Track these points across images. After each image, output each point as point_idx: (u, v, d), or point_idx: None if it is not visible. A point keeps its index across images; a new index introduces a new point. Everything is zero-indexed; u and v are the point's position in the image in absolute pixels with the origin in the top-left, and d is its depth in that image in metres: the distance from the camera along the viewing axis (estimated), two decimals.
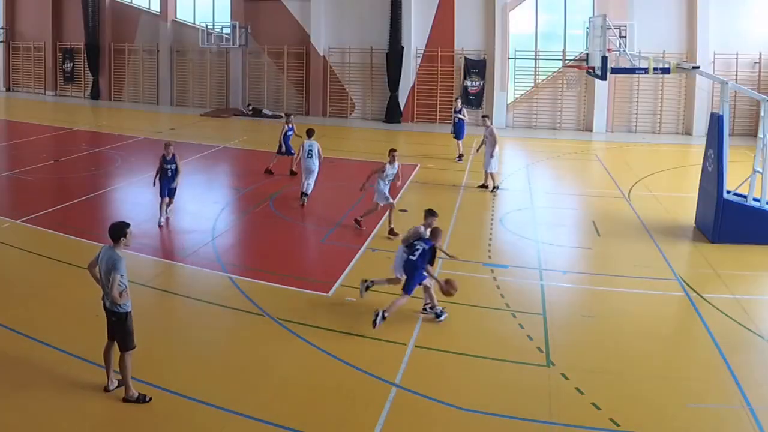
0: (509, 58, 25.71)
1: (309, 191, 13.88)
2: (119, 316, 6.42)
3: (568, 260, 10.97)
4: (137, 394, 6.48)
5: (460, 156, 18.97)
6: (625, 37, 17.63)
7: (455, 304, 8.90)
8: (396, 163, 12.05)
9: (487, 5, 25.48)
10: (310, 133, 14.18)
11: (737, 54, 22.96)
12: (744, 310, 8.85)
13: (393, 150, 12.18)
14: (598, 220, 13.07)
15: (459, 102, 19.88)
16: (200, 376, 7.05)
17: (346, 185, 15.40)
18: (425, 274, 8.35)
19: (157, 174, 12.33)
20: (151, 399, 6.50)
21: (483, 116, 16.80)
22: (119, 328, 6.45)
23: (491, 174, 15.34)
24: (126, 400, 6.46)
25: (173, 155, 12.31)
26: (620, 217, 13.47)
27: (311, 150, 13.87)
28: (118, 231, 6.47)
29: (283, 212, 13.51)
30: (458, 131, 19.16)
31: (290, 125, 16.66)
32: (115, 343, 6.53)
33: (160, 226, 12.24)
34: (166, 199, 12.37)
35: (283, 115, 16.67)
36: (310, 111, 28.23)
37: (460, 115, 19.19)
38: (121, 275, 6.34)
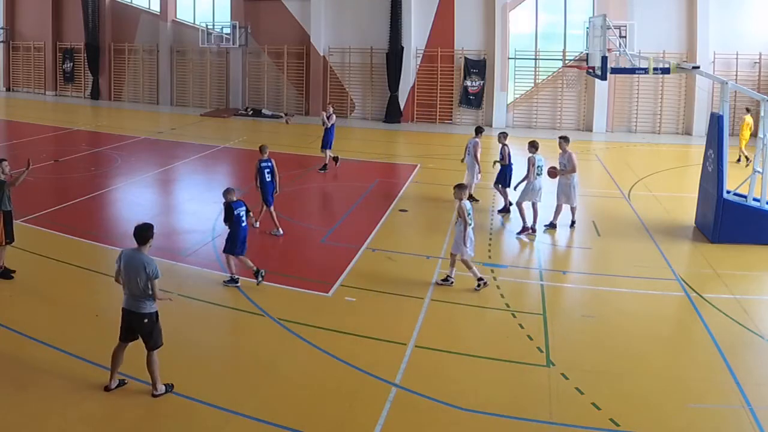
0: (509, 58, 25.72)
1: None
2: (150, 316, 6.46)
3: (568, 260, 10.97)
4: (164, 387, 6.55)
5: (325, 166, 17.08)
6: (625, 37, 17.68)
7: (456, 304, 8.92)
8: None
9: (487, 5, 25.49)
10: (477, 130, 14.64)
11: (737, 54, 22.97)
12: (744, 310, 8.85)
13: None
14: (598, 220, 13.06)
15: (331, 108, 17.83)
16: (200, 376, 7.06)
17: (346, 185, 15.42)
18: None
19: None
20: (173, 386, 6.60)
21: (561, 137, 13.13)
22: (151, 328, 6.48)
23: (572, 208, 12.53)
24: (155, 396, 6.50)
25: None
26: (620, 217, 13.47)
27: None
28: (146, 233, 6.46)
29: (283, 212, 13.49)
30: (327, 140, 17.07)
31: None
32: (143, 343, 6.53)
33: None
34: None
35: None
36: (310, 111, 28.21)
37: (330, 122, 17.12)
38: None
